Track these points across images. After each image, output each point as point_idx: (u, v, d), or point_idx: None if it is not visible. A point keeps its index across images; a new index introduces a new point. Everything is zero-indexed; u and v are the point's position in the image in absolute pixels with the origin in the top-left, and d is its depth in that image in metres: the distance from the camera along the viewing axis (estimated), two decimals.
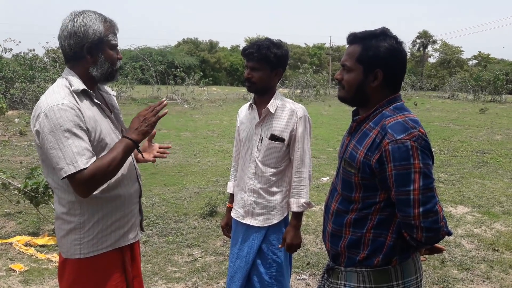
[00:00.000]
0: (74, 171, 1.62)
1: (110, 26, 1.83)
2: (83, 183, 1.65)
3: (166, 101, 1.88)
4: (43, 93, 1.77)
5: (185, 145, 9.96)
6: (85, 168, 1.64)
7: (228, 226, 2.68)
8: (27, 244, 4.16)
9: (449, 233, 1.56)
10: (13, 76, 16.02)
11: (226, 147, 9.81)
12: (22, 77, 15.99)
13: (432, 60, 61.32)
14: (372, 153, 1.53)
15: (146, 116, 1.84)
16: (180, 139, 10.90)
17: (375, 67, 1.59)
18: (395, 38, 1.61)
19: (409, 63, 52.35)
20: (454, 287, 3.56)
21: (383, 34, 1.60)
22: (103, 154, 1.77)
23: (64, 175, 1.63)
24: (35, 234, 4.44)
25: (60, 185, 1.74)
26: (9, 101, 15.06)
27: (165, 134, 11.52)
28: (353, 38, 1.64)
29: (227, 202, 2.79)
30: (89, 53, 1.78)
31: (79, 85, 1.77)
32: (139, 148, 1.94)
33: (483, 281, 3.68)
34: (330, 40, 55.75)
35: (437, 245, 1.75)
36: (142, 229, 2.07)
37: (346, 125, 13.44)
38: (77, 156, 1.63)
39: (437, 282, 3.63)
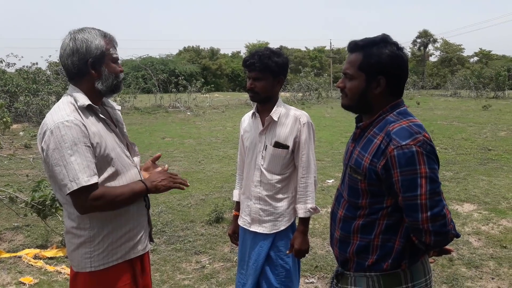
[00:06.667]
0: (76, 187, 1.66)
1: (110, 40, 1.87)
2: (85, 201, 1.70)
3: (188, 185, 2.03)
4: (47, 106, 1.83)
5: (189, 152, 9.99)
6: (92, 187, 1.69)
7: (236, 234, 2.69)
8: (36, 257, 4.18)
9: (457, 236, 1.57)
10: (17, 90, 16.12)
11: (230, 152, 9.83)
12: (26, 91, 16.11)
13: (433, 59, 61.41)
14: (377, 159, 1.54)
15: (169, 178, 1.95)
16: (184, 146, 10.93)
17: (378, 74, 1.59)
18: (395, 44, 1.62)
19: (410, 63, 52.12)
20: (463, 285, 3.55)
21: (384, 41, 1.61)
22: (108, 168, 1.80)
23: (68, 192, 1.67)
24: (43, 246, 4.47)
25: (69, 200, 1.76)
26: (13, 115, 15.16)
27: (169, 142, 11.56)
28: (354, 46, 1.65)
29: (233, 210, 2.80)
30: (93, 68, 1.82)
31: (84, 100, 1.80)
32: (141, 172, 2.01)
33: (492, 278, 3.67)
34: (330, 43, 56.16)
35: (445, 246, 1.76)
36: (151, 240, 2.09)
37: (349, 126, 13.47)
38: (79, 173, 1.66)
39: (446, 281, 3.63)
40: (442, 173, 7.25)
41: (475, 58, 59.01)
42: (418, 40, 58.21)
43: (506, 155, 9.00)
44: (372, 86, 1.61)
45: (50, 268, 3.96)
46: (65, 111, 1.74)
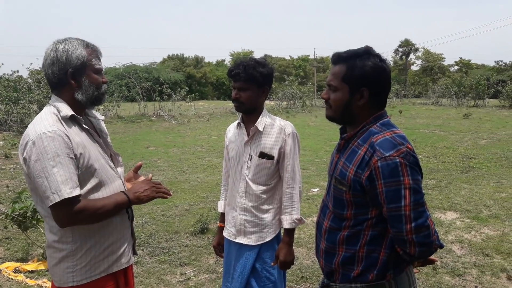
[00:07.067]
0: (59, 199, 1.63)
1: (93, 51, 1.86)
2: (66, 214, 1.67)
3: (171, 194, 2.02)
4: (28, 115, 1.80)
5: (174, 162, 9.91)
6: (74, 199, 1.66)
7: (220, 245, 2.67)
8: (16, 271, 4.08)
9: (441, 246, 1.59)
10: None
11: (215, 162, 9.78)
12: (7, 99, 15.78)
13: (414, 67, 62.44)
14: (362, 170, 1.55)
15: (152, 188, 1.94)
16: (168, 155, 10.84)
17: (361, 86, 1.62)
18: (378, 56, 1.65)
19: (392, 72, 52.66)
20: None
21: (367, 53, 1.64)
22: (92, 180, 1.78)
23: (50, 204, 1.65)
24: (24, 259, 4.36)
25: (50, 213, 1.73)
26: None
27: (153, 151, 11.45)
28: (338, 58, 1.67)
29: (218, 222, 2.78)
30: (73, 78, 1.80)
31: (67, 111, 1.78)
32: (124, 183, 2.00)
33: (475, 287, 3.71)
34: (314, 52, 56.73)
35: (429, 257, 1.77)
36: (135, 253, 2.06)
37: (333, 135, 13.56)
38: (61, 185, 1.64)
39: None
40: (425, 182, 7.34)
41: (456, 67, 60.17)
42: (400, 49, 59.17)
43: (487, 163, 9.16)
44: (355, 98, 1.63)
45: (31, 282, 3.87)
46: (48, 122, 1.71)
